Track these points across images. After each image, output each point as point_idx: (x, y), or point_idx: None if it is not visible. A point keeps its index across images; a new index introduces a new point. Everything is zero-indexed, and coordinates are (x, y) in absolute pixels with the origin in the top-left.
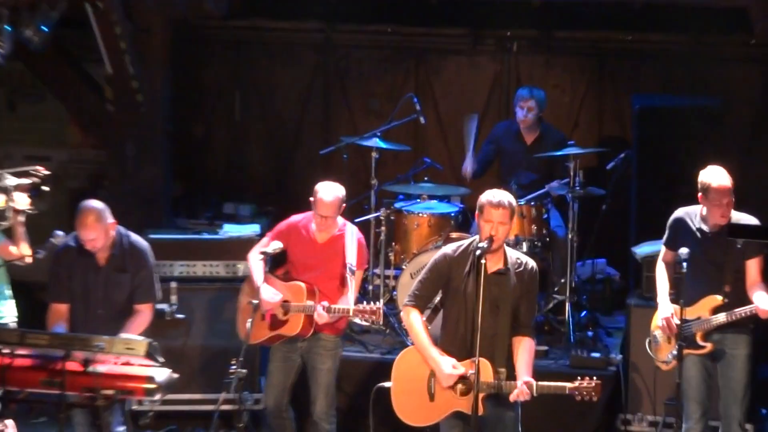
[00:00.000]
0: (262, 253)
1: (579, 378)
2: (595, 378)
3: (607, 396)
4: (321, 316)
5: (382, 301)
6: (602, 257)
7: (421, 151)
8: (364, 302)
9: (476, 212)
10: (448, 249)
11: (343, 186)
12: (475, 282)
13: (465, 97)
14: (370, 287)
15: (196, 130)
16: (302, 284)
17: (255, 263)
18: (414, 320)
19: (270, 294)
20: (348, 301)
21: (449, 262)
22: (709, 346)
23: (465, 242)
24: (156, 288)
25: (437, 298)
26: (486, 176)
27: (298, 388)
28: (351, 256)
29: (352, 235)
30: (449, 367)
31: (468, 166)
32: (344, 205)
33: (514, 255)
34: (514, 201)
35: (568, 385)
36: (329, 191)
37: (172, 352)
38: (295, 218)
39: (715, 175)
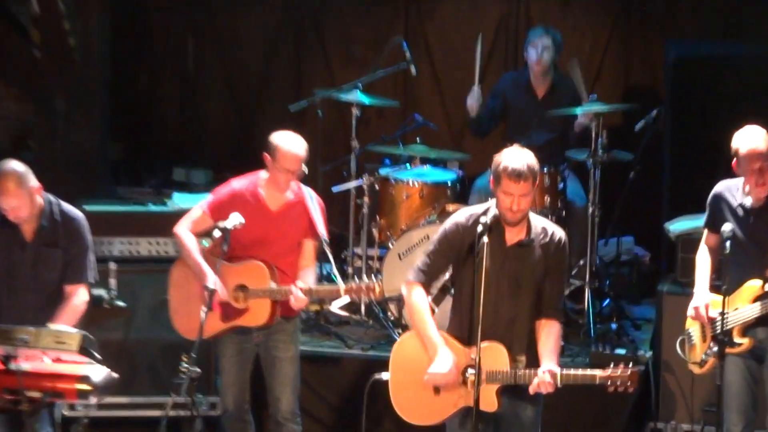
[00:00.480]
0: (221, 230)
1: (612, 364)
2: (631, 364)
3: (634, 400)
4: (299, 300)
5: (381, 276)
6: (629, 234)
7: (412, 108)
8: (356, 278)
9: (491, 178)
10: (461, 217)
11: (320, 149)
12: (488, 257)
13: (464, 44)
14: (350, 269)
15: (141, 81)
16: (261, 263)
17: (188, 238)
18: (417, 299)
19: (214, 281)
20: (312, 279)
21: (462, 233)
22: (746, 342)
23: (480, 208)
24: (91, 267)
25: (446, 276)
26: (493, 135)
27: (252, 383)
28: (321, 226)
29: (312, 200)
30: (448, 363)
31: (473, 103)
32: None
33: (539, 223)
34: (536, 164)
35: (599, 373)
36: (297, 142)
37: (111, 346)
38: (237, 184)
39: (746, 137)
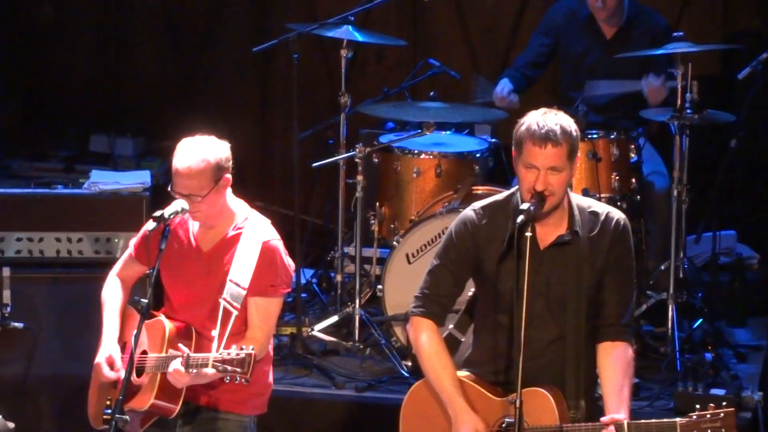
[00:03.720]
0: (158, 219)
1: (698, 408)
2: (724, 405)
3: None
4: (177, 375)
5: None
6: (730, 228)
7: (424, 49)
8: (233, 347)
9: (513, 150)
10: (470, 213)
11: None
12: (516, 265)
13: None
14: (338, 278)
15: (44, 11)
16: (163, 320)
17: (108, 288)
18: (424, 341)
19: (101, 358)
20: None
21: (473, 234)
22: None
23: (498, 198)
24: None
25: (469, 293)
26: (534, 89)
27: None
28: (238, 271)
29: (252, 237)
30: (471, 427)
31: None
32: (227, 175)
33: (584, 206)
34: (574, 127)
35: (680, 420)
36: (189, 152)
37: (6, 384)
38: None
39: None
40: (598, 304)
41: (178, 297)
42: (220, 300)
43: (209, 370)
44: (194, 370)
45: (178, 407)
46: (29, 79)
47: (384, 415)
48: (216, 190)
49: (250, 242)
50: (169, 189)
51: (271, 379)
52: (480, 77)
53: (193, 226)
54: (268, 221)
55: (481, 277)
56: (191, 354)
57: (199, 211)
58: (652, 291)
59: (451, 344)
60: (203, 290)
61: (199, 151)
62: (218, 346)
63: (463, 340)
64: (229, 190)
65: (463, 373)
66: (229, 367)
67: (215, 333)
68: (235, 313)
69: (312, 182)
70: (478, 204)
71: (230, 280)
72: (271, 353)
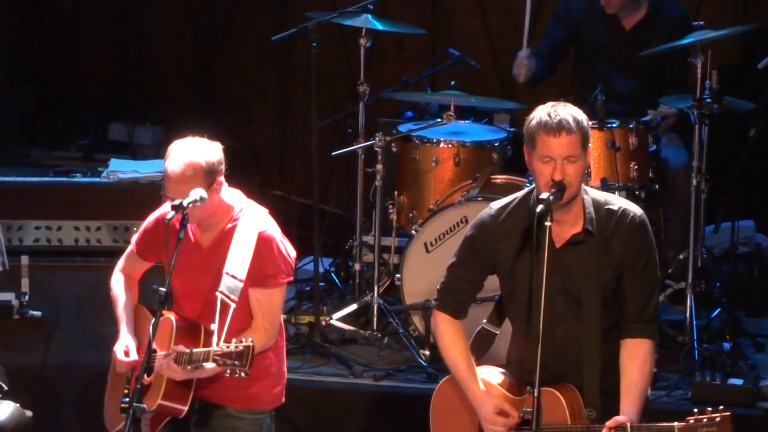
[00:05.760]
0: (177, 208)
1: (695, 411)
2: (721, 409)
3: None
4: (171, 369)
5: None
6: (749, 218)
7: (444, 38)
8: (233, 341)
9: (524, 145)
10: (487, 212)
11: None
12: (534, 257)
13: None
14: (356, 267)
15: (64, 1)
16: (171, 317)
17: (114, 283)
18: (441, 332)
19: (119, 348)
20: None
21: (489, 234)
22: None
23: (513, 198)
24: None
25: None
26: (550, 82)
27: None
28: (233, 263)
29: (247, 228)
30: (490, 409)
31: (523, 61)
32: (219, 178)
33: (599, 201)
34: (584, 116)
35: (678, 424)
36: (180, 157)
37: (24, 373)
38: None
39: None
40: (621, 301)
41: (182, 294)
42: (217, 293)
43: (209, 365)
44: (189, 367)
45: (187, 407)
46: (48, 68)
47: (402, 404)
48: (209, 194)
49: (245, 234)
50: (161, 193)
51: (284, 369)
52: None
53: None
54: (265, 211)
55: (501, 277)
56: (193, 350)
57: (192, 215)
58: (671, 281)
59: (486, 338)
60: (205, 285)
61: (191, 156)
62: (218, 340)
63: (497, 333)
64: (223, 184)
65: (483, 372)
66: (229, 361)
67: (214, 327)
68: (233, 305)
69: (331, 171)
70: (495, 204)
71: (226, 273)
72: (283, 343)
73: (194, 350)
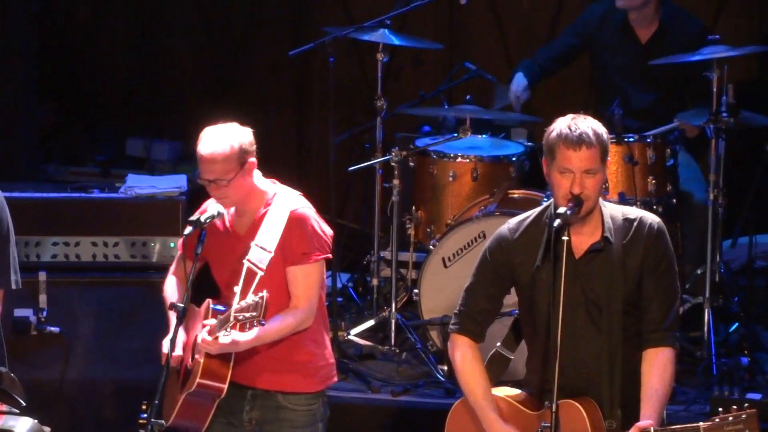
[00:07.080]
0: (194, 224)
1: (721, 410)
2: (746, 406)
3: None
4: (205, 343)
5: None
6: (766, 232)
7: (461, 53)
8: (249, 298)
9: (543, 158)
10: (504, 229)
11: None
12: (553, 273)
13: None
14: (374, 282)
15: (80, 15)
16: (209, 301)
17: (168, 284)
18: (459, 357)
19: (165, 342)
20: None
21: (507, 250)
22: None
23: (531, 214)
24: (13, 267)
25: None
26: (568, 95)
27: None
28: (263, 236)
29: (280, 208)
30: None
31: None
32: (251, 159)
33: (616, 213)
34: (603, 129)
35: (703, 424)
36: (212, 138)
37: (42, 389)
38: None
39: None
40: (641, 310)
41: (224, 285)
42: (244, 261)
43: (240, 336)
44: (222, 332)
45: (226, 385)
46: (65, 82)
47: (420, 420)
48: (242, 174)
49: (277, 212)
50: (195, 178)
51: (328, 343)
52: (498, 84)
53: (232, 212)
54: (298, 193)
55: (520, 291)
56: (220, 316)
57: (227, 197)
58: (689, 295)
59: (501, 362)
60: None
61: (222, 136)
62: (238, 302)
63: (512, 358)
64: (257, 172)
65: (501, 390)
66: (246, 314)
67: (237, 289)
68: (260, 273)
69: (348, 186)
70: (512, 220)
71: (255, 244)
72: (327, 325)
73: (220, 316)
